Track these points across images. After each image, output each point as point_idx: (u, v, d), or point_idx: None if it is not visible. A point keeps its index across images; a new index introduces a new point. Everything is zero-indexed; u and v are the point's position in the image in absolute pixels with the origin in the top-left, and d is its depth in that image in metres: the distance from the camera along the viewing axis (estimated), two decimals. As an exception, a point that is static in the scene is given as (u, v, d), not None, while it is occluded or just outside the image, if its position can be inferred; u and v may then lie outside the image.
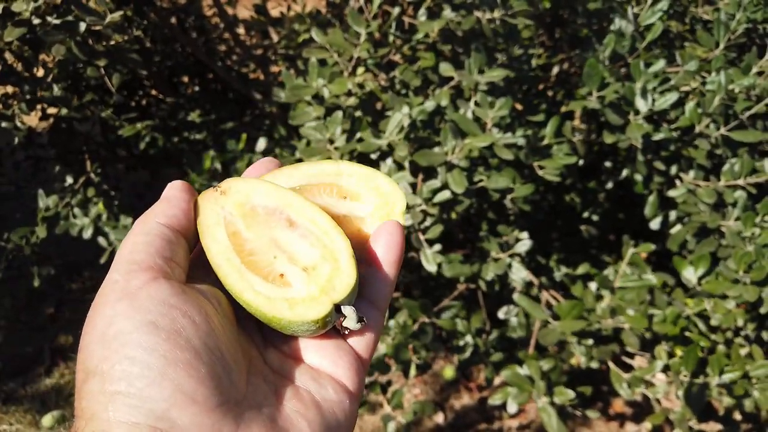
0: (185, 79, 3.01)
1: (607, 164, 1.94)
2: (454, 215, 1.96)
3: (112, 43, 1.67)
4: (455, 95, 1.58)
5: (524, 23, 1.47)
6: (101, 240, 2.24)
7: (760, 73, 1.47)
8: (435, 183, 1.48)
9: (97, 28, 1.54)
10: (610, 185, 1.99)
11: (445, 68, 1.53)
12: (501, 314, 2.04)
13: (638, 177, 1.79)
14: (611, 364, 1.45)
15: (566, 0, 1.81)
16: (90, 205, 2.40)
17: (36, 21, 1.56)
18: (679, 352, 1.47)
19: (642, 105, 1.34)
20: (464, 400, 2.56)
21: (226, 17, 2.46)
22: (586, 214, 2.14)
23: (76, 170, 2.64)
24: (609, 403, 2.49)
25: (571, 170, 1.59)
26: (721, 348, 1.43)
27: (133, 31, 1.82)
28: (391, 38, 1.58)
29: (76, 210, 2.38)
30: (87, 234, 2.33)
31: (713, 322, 1.49)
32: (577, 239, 2.20)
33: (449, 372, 2.45)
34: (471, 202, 1.46)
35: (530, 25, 1.86)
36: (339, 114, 1.48)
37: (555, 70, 2.22)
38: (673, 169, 1.56)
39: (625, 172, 1.90)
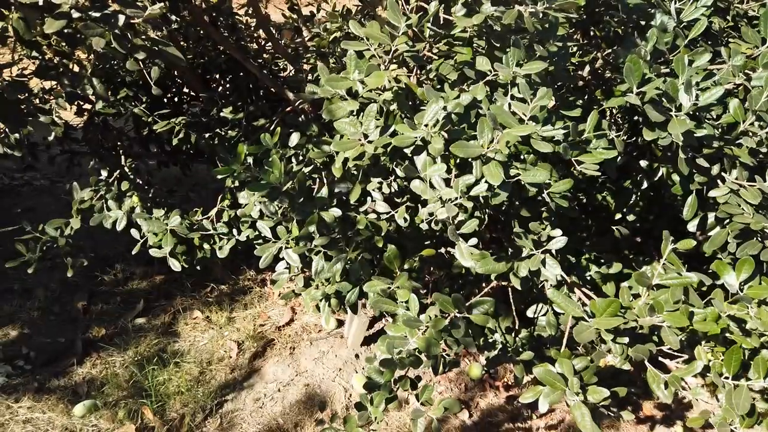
0: (217, 76, 3.04)
1: (643, 163, 1.91)
2: (481, 214, 1.94)
3: (152, 36, 1.69)
4: (491, 90, 1.57)
5: (565, 17, 1.45)
6: (134, 232, 2.28)
7: (807, 69, 1.42)
8: (470, 178, 1.47)
9: (136, 21, 1.56)
10: (645, 185, 1.96)
11: (482, 62, 1.52)
12: (530, 313, 2.02)
13: (676, 177, 1.75)
14: (648, 364, 1.42)
15: (603, -4, 1.79)
16: (124, 198, 2.44)
17: (76, 14, 1.59)
18: (719, 354, 1.43)
19: (685, 100, 1.31)
20: (490, 398, 2.53)
21: (259, 14, 2.48)
22: (619, 215, 2.11)
23: (111, 165, 2.69)
24: (638, 405, 2.44)
25: (610, 166, 1.56)
26: (765, 351, 1.39)
27: (170, 25, 1.84)
28: (427, 33, 1.58)
29: (111, 202, 2.43)
30: (120, 226, 2.36)
31: (749, 326, 1.45)
32: (608, 239, 2.17)
33: (475, 370, 2.43)
34: (505, 198, 1.44)
35: (564, 23, 1.84)
36: (373, 107, 1.48)
37: (587, 69, 2.19)
38: (715, 169, 1.53)
39: (662, 171, 1.86)
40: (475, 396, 2.54)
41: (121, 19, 1.58)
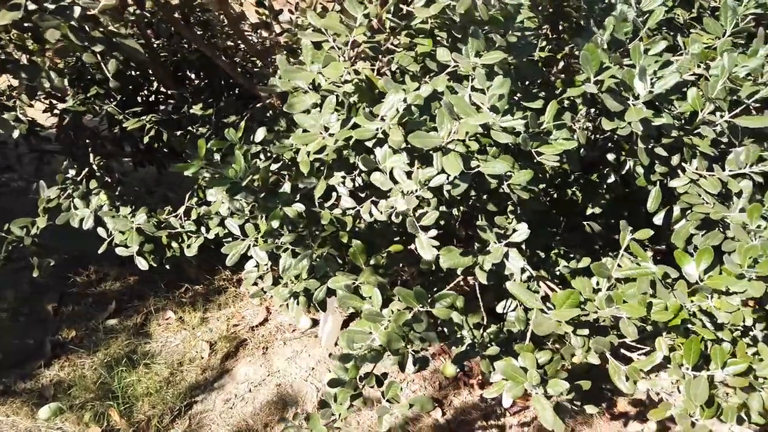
0: (192, 74, 3.01)
1: (610, 157, 1.90)
2: (455, 212, 1.93)
3: (111, 28, 1.66)
4: (454, 82, 1.55)
5: (530, 7, 1.44)
6: (100, 230, 2.23)
7: (768, 59, 1.42)
8: (431, 171, 1.45)
9: (93, 13, 1.53)
10: (612, 179, 1.95)
11: (443, 53, 1.51)
12: (499, 308, 2.00)
13: (640, 170, 1.74)
14: (609, 357, 1.41)
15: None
16: (91, 197, 2.40)
17: (31, 6, 1.56)
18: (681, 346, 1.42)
19: (641, 88, 1.30)
20: (463, 396, 2.51)
21: (228, 13, 2.45)
22: (589, 211, 2.10)
23: (80, 163, 2.65)
24: (612, 402, 2.43)
25: (572, 158, 1.55)
26: (726, 344, 1.38)
27: (128, 17, 1.81)
28: (387, 24, 1.56)
29: (77, 201, 2.38)
30: (87, 225, 2.32)
31: (720, 320, 1.44)
32: (578, 235, 2.16)
33: (450, 369, 2.41)
34: (465, 189, 1.43)
35: (533, 17, 1.83)
36: (332, 99, 1.46)
37: (561, 65, 2.18)
38: (675, 159, 1.52)
39: (629, 165, 1.85)
40: (448, 394, 2.52)
41: (77, 10, 1.55)
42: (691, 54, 1.43)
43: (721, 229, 1.49)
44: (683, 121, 1.51)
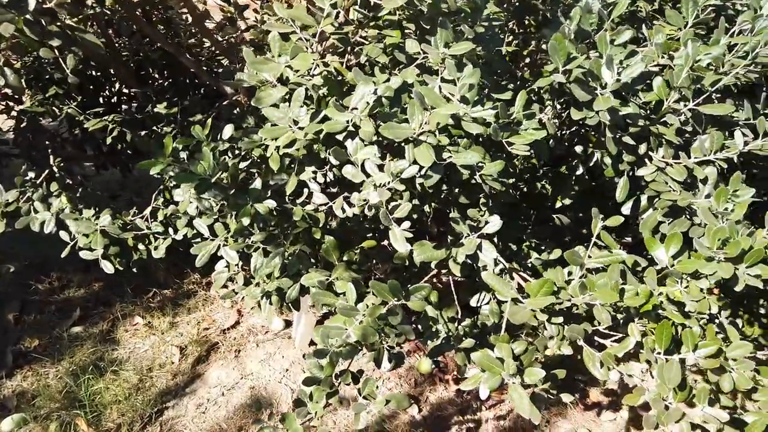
0: (156, 73, 2.94)
1: (578, 149, 1.92)
2: (427, 208, 1.92)
3: (68, 22, 1.60)
4: (423, 74, 1.55)
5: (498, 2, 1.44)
6: (63, 234, 2.16)
7: (730, 48, 1.46)
8: (403, 162, 1.44)
9: (49, 6, 1.47)
10: (580, 171, 1.97)
11: (411, 45, 1.50)
12: (473, 302, 2.00)
13: (608, 160, 1.77)
14: (583, 345, 1.42)
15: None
16: (52, 199, 2.32)
17: (-16, -1, 1.49)
18: (652, 332, 1.44)
19: (608, 76, 1.31)
20: (439, 392, 2.51)
21: (193, 11, 2.40)
22: (558, 203, 2.12)
23: (40, 166, 2.55)
24: (586, 393, 2.46)
25: (542, 149, 1.56)
26: (696, 328, 1.40)
27: (87, 11, 1.75)
28: (354, 15, 1.55)
29: (37, 204, 2.30)
30: (48, 228, 2.24)
31: (688, 308, 1.46)
32: (549, 228, 2.18)
33: (425, 365, 2.40)
34: (437, 180, 1.42)
35: (499, 12, 1.84)
36: (301, 91, 1.43)
37: (527, 60, 2.20)
38: (642, 148, 1.54)
39: (597, 156, 1.88)
40: (424, 390, 2.51)
41: (32, 3, 1.50)
42: (655, 44, 1.45)
43: (688, 217, 1.51)
44: (649, 111, 1.53)
